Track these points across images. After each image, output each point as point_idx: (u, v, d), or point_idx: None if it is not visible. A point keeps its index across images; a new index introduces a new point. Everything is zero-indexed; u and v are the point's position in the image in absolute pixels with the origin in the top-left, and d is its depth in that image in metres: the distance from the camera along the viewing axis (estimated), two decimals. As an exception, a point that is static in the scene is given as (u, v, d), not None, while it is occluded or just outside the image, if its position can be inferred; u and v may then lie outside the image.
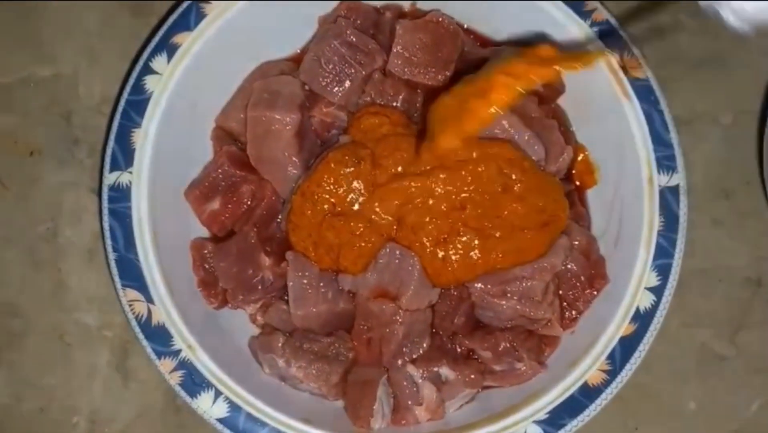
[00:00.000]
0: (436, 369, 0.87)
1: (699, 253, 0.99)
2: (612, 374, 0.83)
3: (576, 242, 0.90)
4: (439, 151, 0.85)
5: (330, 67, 0.91)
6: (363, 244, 0.87)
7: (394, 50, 0.92)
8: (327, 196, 0.87)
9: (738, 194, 1.01)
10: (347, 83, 0.91)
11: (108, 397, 0.96)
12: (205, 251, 0.91)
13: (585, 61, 0.83)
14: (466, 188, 0.86)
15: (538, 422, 0.83)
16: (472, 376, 0.87)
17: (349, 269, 0.88)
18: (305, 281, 0.88)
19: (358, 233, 0.87)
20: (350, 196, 0.87)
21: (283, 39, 0.96)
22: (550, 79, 0.85)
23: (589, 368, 0.84)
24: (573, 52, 0.88)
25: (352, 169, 0.87)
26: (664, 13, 1.05)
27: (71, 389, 0.96)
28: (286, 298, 0.90)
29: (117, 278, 0.85)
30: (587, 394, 0.83)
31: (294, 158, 0.90)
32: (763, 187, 0.98)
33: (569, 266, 0.90)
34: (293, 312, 0.88)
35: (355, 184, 0.87)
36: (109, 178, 0.87)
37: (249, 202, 0.92)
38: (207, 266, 0.91)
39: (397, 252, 0.86)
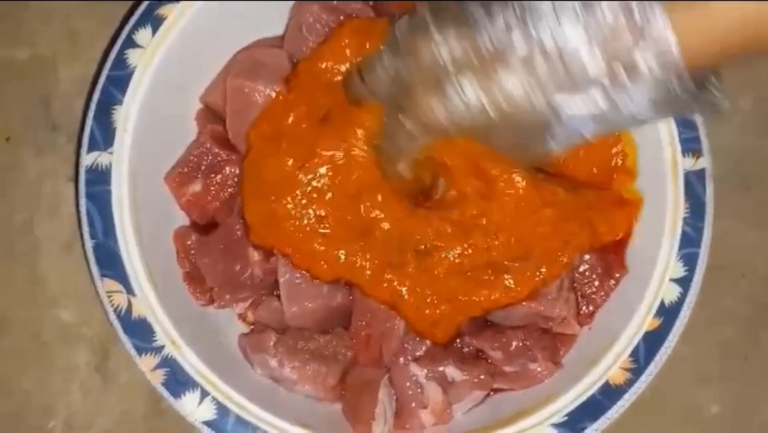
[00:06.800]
0: (441, 369, 0.82)
1: (719, 247, 0.94)
2: (636, 372, 0.78)
3: (591, 231, 0.85)
4: None
5: (312, 35, 0.85)
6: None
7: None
8: None
9: (760, 185, 0.98)
10: (331, 51, 0.86)
11: (87, 400, 0.92)
12: (189, 242, 0.86)
13: None
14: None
15: (556, 426, 0.78)
16: (482, 377, 0.82)
17: None
18: (298, 276, 0.82)
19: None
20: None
21: (280, 14, 0.90)
22: None
23: (611, 367, 0.78)
24: None
25: None
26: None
27: (48, 391, 0.92)
28: (277, 293, 0.84)
29: (95, 267, 0.80)
30: (609, 394, 0.78)
31: (278, 134, 0.85)
32: None
33: (584, 257, 0.85)
34: (286, 309, 0.82)
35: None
36: (87, 159, 0.82)
37: (233, 187, 0.86)
38: (192, 259, 0.85)
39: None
